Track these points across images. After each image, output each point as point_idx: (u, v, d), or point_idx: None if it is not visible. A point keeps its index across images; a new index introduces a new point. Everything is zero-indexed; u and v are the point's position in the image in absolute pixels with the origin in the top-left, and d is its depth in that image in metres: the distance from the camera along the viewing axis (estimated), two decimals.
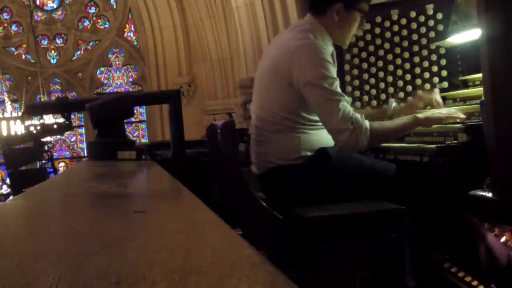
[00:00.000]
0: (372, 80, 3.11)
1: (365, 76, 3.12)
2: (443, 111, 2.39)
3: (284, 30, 2.71)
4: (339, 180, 2.23)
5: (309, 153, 2.25)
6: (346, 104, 2.18)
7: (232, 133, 2.16)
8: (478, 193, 1.91)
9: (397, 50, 3.06)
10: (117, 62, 11.09)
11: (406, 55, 3.05)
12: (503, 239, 2.25)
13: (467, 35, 2.67)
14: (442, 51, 2.96)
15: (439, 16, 2.97)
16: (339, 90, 2.20)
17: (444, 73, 2.96)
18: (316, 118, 2.25)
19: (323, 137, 2.28)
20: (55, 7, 11.12)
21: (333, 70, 2.22)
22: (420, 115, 2.34)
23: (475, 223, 2.16)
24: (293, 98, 2.23)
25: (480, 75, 2.41)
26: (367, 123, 2.19)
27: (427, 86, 2.98)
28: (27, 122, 7.82)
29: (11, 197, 6.43)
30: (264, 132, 2.33)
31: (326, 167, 2.23)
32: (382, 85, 3.09)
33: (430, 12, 2.99)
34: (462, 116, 2.36)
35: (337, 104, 2.16)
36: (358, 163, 2.26)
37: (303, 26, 2.36)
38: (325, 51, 2.23)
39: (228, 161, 2.23)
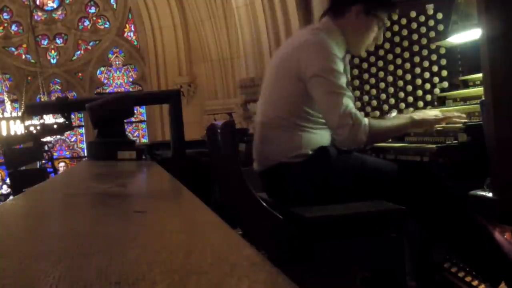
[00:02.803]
0: (373, 80, 3.11)
1: (365, 76, 3.12)
2: (439, 113, 2.39)
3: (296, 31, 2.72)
4: (339, 178, 2.23)
5: (309, 152, 2.26)
6: (348, 100, 2.20)
7: (232, 133, 2.16)
8: (478, 193, 1.91)
9: (397, 50, 3.06)
10: (117, 62, 11.09)
11: (406, 55, 3.04)
12: None
13: (467, 35, 2.67)
14: (442, 51, 2.96)
15: (439, 16, 2.97)
16: (344, 85, 2.22)
17: (444, 73, 2.96)
18: (320, 116, 2.26)
19: (325, 137, 2.29)
20: (55, 7, 11.11)
21: (341, 66, 2.24)
22: (416, 117, 2.33)
23: (481, 219, 2.16)
24: (298, 93, 2.25)
25: (480, 75, 2.41)
26: (366, 120, 2.20)
27: (427, 86, 2.98)
28: (27, 122, 7.81)
29: (11, 197, 6.42)
30: (268, 129, 2.34)
31: (326, 165, 2.23)
32: (382, 85, 3.09)
33: (430, 12, 2.99)
34: (461, 116, 2.37)
35: (340, 98, 2.18)
36: (359, 161, 2.26)
37: (315, 26, 2.39)
38: (334, 47, 2.25)
39: (228, 161, 2.23)
